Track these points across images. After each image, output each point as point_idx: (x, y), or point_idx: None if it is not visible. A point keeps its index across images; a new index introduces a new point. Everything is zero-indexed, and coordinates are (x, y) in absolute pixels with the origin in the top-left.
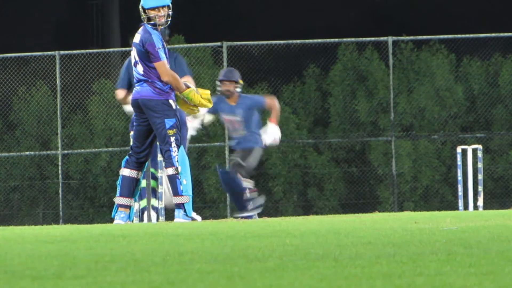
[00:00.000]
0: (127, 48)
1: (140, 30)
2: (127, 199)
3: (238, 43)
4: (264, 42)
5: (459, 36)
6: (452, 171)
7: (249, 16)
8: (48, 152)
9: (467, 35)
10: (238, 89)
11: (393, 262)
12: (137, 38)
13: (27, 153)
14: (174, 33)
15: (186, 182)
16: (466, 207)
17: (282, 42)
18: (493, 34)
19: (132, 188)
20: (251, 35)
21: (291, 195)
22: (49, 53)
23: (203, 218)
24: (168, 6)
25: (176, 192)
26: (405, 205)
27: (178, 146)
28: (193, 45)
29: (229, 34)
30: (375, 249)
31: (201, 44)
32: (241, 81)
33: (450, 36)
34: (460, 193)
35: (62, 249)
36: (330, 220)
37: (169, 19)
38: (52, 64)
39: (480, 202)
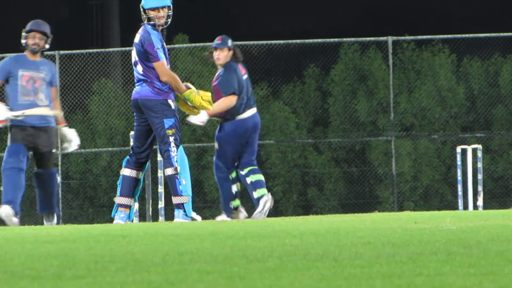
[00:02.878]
0: (127, 48)
1: (140, 30)
2: (127, 199)
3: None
4: (264, 42)
5: (459, 36)
6: (452, 171)
7: (249, 16)
8: None
9: (467, 35)
10: (47, 45)
11: (393, 262)
12: (137, 38)
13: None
14: (178, 32)
15: (185, 182)
16: (465, 207)
17: (282, 42)
18: (493, 34)
19: (132, 188)
20: (251, 35)
21: (290, 195)
22: (49, 53)
23: (203, 218)
24: (169, 7)
25: (175, 192)
26: (405, 205)
27: (177, 146)
28: (193, 44)
29: (229, 34)
30: (374, 249)
31: (201, 44)
32: (50, 38)
33: (450, 36)
34: (460, 193)
35: (62, 249)
36: (330, 220)
37: (169, 19)
38: None
39: (480, 202)
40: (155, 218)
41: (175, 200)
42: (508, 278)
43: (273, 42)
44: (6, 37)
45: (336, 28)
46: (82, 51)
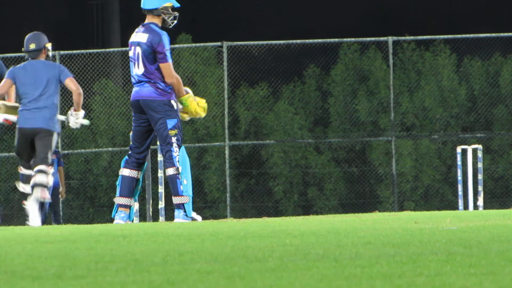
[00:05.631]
0: (128, 48)
1: (144, 29)
2: (127, 199)
3: (238, 43)
4: (264, 42)
5: (459, 36)
6: (452, 171)
7: (249, 16)
8: None
9: (468, 35)
10: None
11: (393, 262)
12: (143, 38)
13: None
14: (181, 32)
15: (186, 182)
16: (466, 207)
17: (282, 42)
18: (493, 34)
19: (132, 188)
20: (251, 35)
21: (291, 194)
22: (50, 53)
23: (204, 218)
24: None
25: (176, 192)
26: (405, 205)
27: (180, 146)
28: (193, 45)
29: (230, 34)
30: (375, 249)
31: (201, 44)
32: None
33: (450, 36)
34: (460, 193)
35: (62, 249)
36: (330, 220)
37: (175, 21)
38: None
39: (480, 202)
40: (155, 218)
41: (176, 200)
42: (508, 278)
43: (274, 42)
44: (7, 37)
45: (336, 28)
46: (82, 51)
